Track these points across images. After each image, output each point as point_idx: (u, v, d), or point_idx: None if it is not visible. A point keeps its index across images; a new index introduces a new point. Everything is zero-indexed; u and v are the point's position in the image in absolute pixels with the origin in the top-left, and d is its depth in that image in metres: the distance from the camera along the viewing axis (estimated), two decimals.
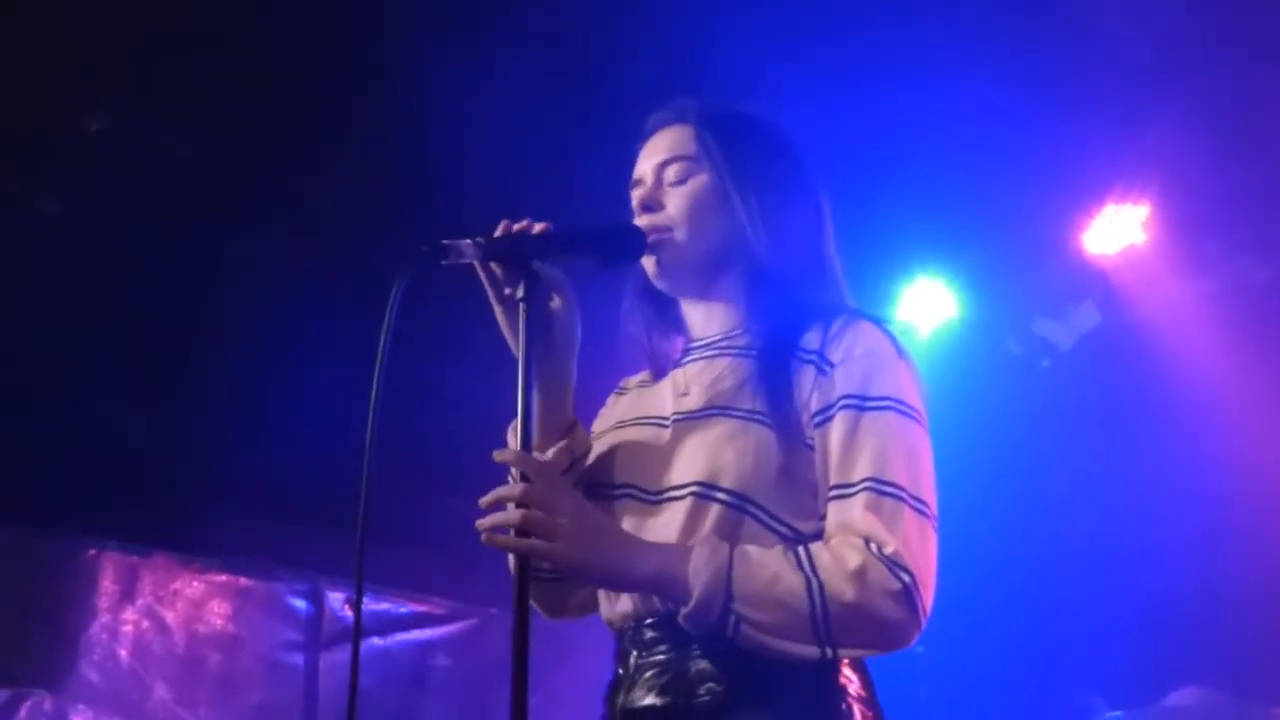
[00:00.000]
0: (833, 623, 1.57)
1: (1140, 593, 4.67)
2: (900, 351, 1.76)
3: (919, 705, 4.69)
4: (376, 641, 5.25)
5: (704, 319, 1.92)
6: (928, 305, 5.17)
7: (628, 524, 1.75)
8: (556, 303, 1.77)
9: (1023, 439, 5.14)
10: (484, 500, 1.62)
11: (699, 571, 1.58)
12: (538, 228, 1.72)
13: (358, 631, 1.60)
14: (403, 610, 5.33)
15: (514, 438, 1.75)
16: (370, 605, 5.23)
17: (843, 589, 1.56)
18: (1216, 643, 4.47)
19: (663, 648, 1.68)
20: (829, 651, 1.58)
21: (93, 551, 4.66)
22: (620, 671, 1.74)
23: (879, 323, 1.79)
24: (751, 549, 1.61)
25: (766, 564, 1.59)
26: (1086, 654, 4.79)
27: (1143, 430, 4.87)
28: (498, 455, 1.66)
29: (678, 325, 1.98)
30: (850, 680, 1.66)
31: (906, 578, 1.58)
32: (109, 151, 3.96)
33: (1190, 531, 4.63)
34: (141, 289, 4.27)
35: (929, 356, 5.18)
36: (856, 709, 1.64)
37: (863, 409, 1.69)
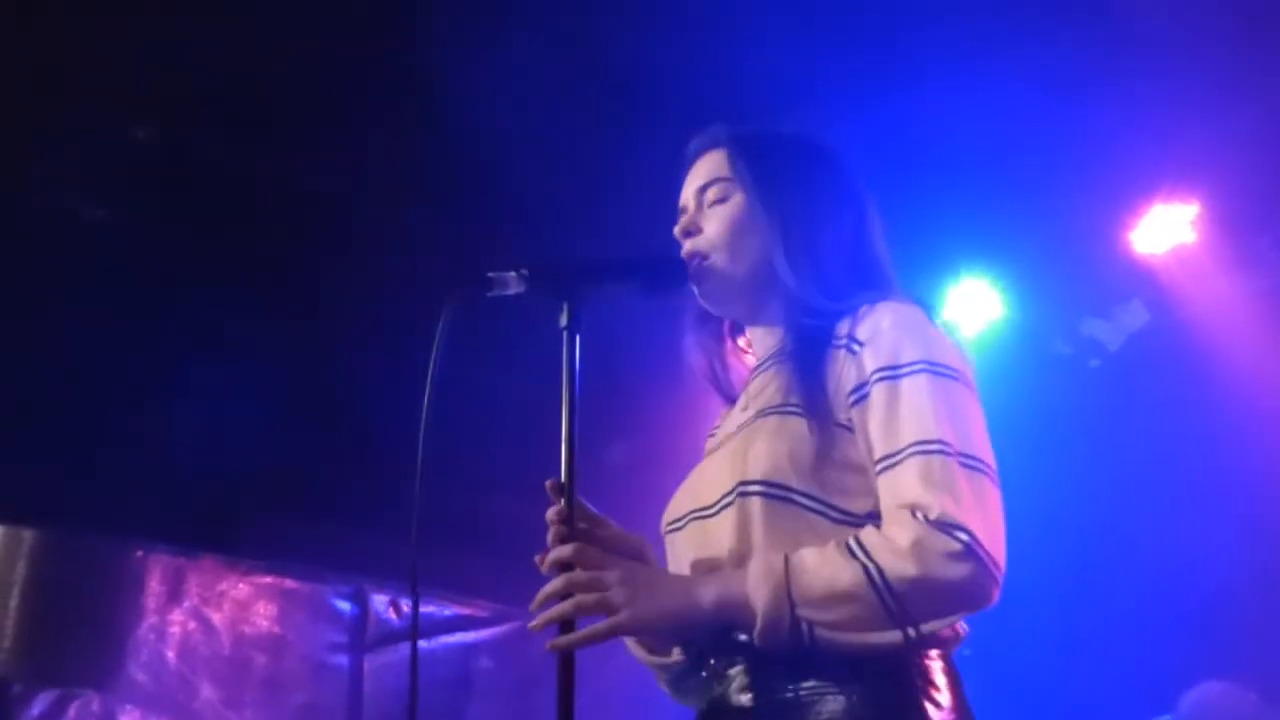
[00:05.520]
0: (905, 603, 1.54)
1: (1190, 594, 4.62)
2: (930, 318, 1.76)
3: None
4: (420, 644, 5.25)
5: (761, 337, 1.95)
6: (973, 306, 5.13)
7: (690, 544, 1.78)
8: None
9: (1071, 439, 5.09)
10: (533, 605, 1.63)
11: (757, 589, 1.58)
12: None
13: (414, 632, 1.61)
14: (447, 613, 5.33)
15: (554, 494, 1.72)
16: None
17: (904, 567, 1.54)
18: (1268, 644, 4.41)
19: (743, 646, 1.67)
20: (911, 632, 1.56)
21: (140, 553, 4.70)
22: (703, 674, 1.73)
23: (909, 297, 1.79)
24: (806, 553, 1.60)
25: (822, 564, 1.57)
26: (1136, 655, 4.73)
27: (1193, 430, 4.81)
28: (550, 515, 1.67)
29: (739, 349, 2.02)
30: (931, 672, 1.63)
31: (964, 536, 1.54)
32: (154, 160, 4.00)
33: (1241, 532, 4.57)
34: (184, 292, 4.30)
35: (975, 357, 5.12)
36: (931, 701, 1.61)
37: (897, 377, 1.67)
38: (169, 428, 4.58)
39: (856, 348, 1.72)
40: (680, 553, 1.82)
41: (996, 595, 1.58)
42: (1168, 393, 4.95)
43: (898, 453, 1.63)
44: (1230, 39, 3.90)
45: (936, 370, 1.68)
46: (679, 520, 1.83)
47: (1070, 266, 4.99)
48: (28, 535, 4.48)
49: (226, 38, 3.65)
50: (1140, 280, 4.96)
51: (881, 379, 1.68)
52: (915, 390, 1.66)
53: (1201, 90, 4.07)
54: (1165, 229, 4.72)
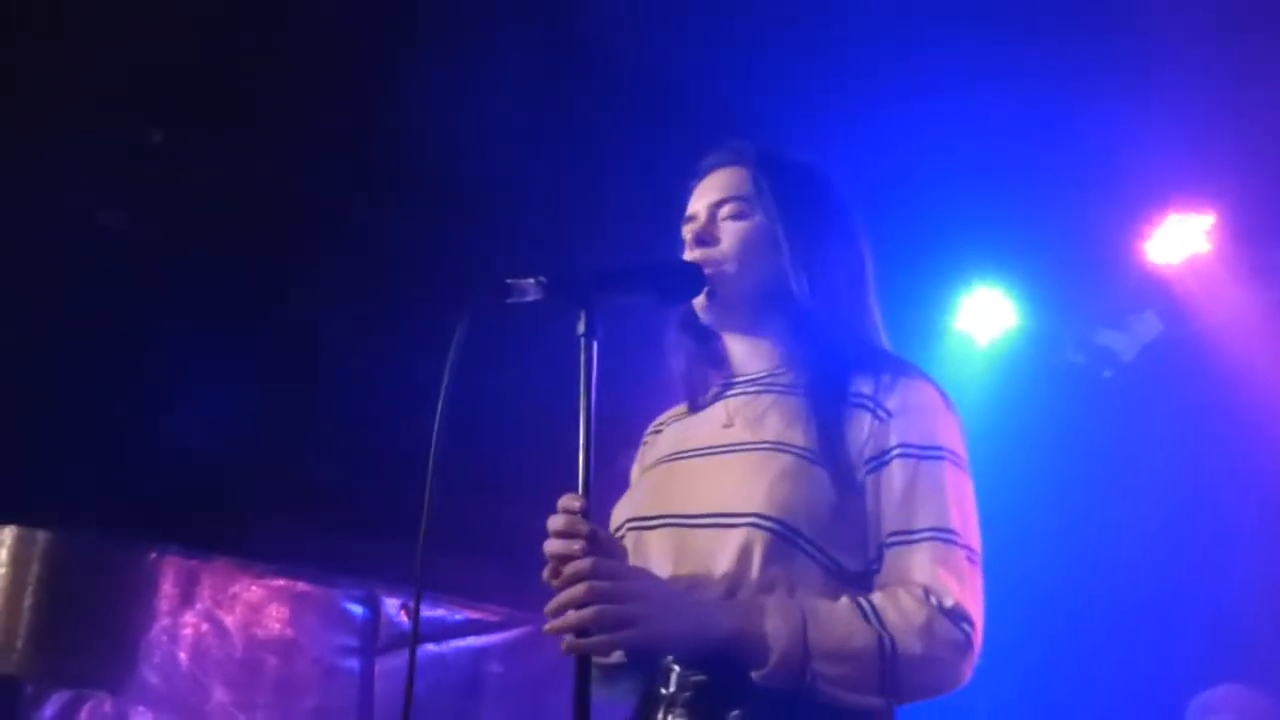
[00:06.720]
0: (900, 674, 1.62)
1: (1204, 602, 4.61)
2: (949, 404, 1.86)
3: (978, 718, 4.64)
4: (431, 648, 5.26)
5: (748, 354, 1.98)
6: (987, 315, 5.13)
7: (667, 549, 1.78)
8: None
9: (1084, 450, 5.08)
10: (549, 607, 1.63)
11: (777, 633, 1.61)
12: None
13: (414, 637, 1.62)
14: (458, 617, 5.33)
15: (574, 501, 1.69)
16: (425, 611, 5.25)
17: (913, 644, 1.63)
18: None
19: (701, 670, 1.68)
20: (891, 700, 1.65)
21: (153, 555, 4.71)
22: (663, 691, 1.72)
23: (926, 375, 1.87)
24: (821, 606, 1.65)
25: (838, 621, 1.63)
26: (1149, 663, 4.72)
27: (1206, 441, 4.80)
28: (550, 546, 1.66)
29: (717, 360, 2.03)
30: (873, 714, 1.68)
31: (968, 628, 1.66)
32: (171, 165, 4.01)
33: (1255, 543, 4.56)
34: (200, 300, 4.32)
35: (988, 367, 5.14)
36: None
37: (921, 458, 1.76)
38: (183, 429, 4.60)
39: (884, 415, 1.79)
40: (652, 556, 1.79)
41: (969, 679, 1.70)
42: (1181, 404, 4.94)
43: (914, 532, 1.73)
44: (1247, 48, 3.89)
45: (956, 461, 1.79)
46: (648, 520, 1.83)
47: (1084, 276, 4.99)
48: (41, 537, 4.49)
49: (226, 38, 3.67)
50: (1154, 290, 4.95)
51: (903, 455, 1.77)
52: (935, 476, 1.76)
53: (1217, 100, 4.06)
54: (1180, 239, 4.71)
